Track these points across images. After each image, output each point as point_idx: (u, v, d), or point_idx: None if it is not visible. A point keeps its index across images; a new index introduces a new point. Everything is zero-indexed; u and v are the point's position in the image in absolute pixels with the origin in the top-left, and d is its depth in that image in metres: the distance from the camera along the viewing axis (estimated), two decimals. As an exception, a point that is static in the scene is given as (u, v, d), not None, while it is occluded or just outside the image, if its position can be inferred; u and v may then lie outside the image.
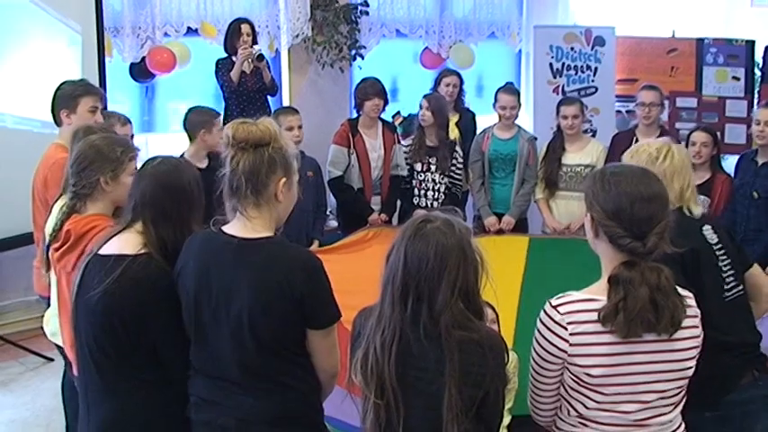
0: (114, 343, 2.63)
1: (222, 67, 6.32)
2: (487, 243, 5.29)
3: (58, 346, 3.53)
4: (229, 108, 6.32)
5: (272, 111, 6.34)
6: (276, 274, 2.45)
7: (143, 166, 2.81)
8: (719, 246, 3.04)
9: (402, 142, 6.11)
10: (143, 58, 6.48)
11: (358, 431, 2.41)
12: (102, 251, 2.69)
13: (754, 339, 3.05)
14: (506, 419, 4.10)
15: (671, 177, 3.00)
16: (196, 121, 5.15)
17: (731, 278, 3.03)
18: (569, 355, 2.26)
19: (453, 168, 6.00)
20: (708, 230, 3.05)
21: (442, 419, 2.20)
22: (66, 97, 4.20)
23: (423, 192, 6.01)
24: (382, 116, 6.06)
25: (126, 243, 2.68)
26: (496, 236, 5.75)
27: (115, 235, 2.73)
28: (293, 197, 2.64)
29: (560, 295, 2.32)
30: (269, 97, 6.55)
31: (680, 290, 2.32)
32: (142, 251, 2.64)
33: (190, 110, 5.29)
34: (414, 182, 6.03)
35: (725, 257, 3.03)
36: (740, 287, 3.05)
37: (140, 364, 2.65)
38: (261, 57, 6.33)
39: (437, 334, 2.22)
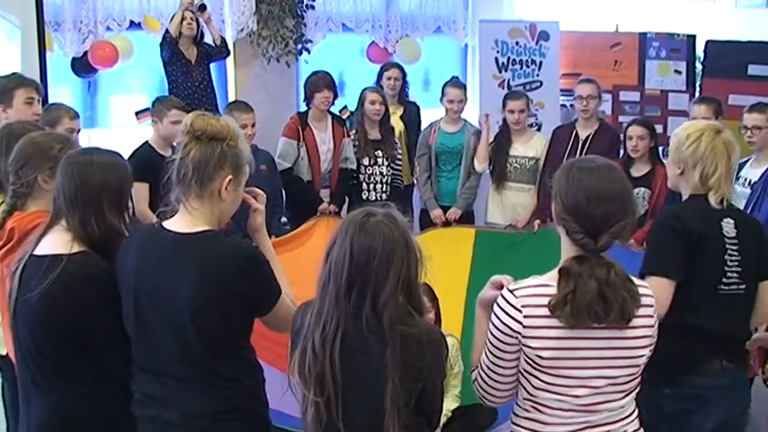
0: (53, 342, 2.61)
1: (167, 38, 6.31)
2: (434, 235, 5.40)
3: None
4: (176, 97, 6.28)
5: (217, 105, 6.33)
6: (215, 270, 2.44)
7: (63, 160, 2.74)
8: (735, 241, 3.03)
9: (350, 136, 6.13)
10: (85, 53, 6.38)
11: (299, 422, 2.41)
12: (37, 251, 2.66)
13: (734, 333, 3.09)
14: (453, 404, 4.15)
15: (693, 165, 3.05)
16: (153, 109, 5.26)
17: (734, 274, 3.04)
18: (523, 337, 2.29)
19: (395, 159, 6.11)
20: (728, 223, 3.04)
21: (382, 412, 2.22)
22: (0, 91, 4.12)
23: (371, 186, 6.06)
24: (331, 110, 6.10)
25: (57, 242, 2.64)
26: (443, 228, 5.77)
27: (44, 233, 2.69)
28: (238, 200, 2.64)
29: (517, 281, 2.36)
30: (220, 60, 6.63)
31: (636, 281, 2.36)
32: (76, 249, 2.61)
33: (156, 98, 5.40)
34: (361, 176, 6.06)
35: (736, 254, 3.03)
36: (743, 286, 3.06)
37: (79, 362, 2.63)
38: (203, 6, 6.28)
39: (379, 327, 2.23)
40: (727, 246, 3.03)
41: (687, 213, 3.07)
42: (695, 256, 2.98)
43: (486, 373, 2.43)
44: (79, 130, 4.68)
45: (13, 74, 4.46)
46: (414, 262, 2.29)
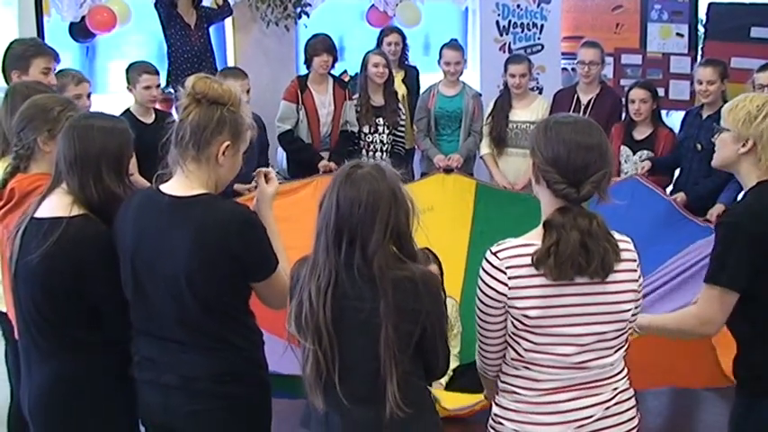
0: (54, 306, 2.63)
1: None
2: (436, 180, 5.38)
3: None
4: (173, 64, 6.26)
5: (217, 70, 6.29)
6: (210, 234, 2.45)
7: (66, 123, 2.76)
8: None
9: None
10: (83, 18, 6.34)
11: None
12: (37, 214, 2.67)
13: None
14: (453, 364, 4.17)
15: None
16: (128, 77, 5.35)
17: None
18: (509, 298, 2.32)
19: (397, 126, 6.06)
20: None
21: (379, 359, 2.26)
22: (17, 57, 4.14)
23: (371, 153, 6.03)
24: (332, 73, 6.09)
25: (57, 205, 2.65)
26: (445, 174, 5.67)
27: (45, 196, 2.70)
28: (236, 166, 2.63)
29: (499, 242, 2.38)
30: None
31: (616, 235, 2.37)
32: (76, 212, 2.62)
33: (129, 65, 5.44)
34: (362, 143, 6.03)
35: None
36: None
37: (80, 327, 2.65)
38: None
39: (371, 275, 2.27)
40: None
41: (752, 209, 2.72)
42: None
43: (479, 340, 2.47)
44: (90, 94, 4.70)
45: (33, 39, 4.47)
46: (403, 212, 2.33)
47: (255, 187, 2.84)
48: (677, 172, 5.43)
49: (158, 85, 5.42)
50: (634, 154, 5.42)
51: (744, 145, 2.75)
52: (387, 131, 6.02)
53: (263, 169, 2.78)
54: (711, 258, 2.74)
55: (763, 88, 4.94)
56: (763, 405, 2.73)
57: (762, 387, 2.73)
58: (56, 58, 4.24)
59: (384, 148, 6.03)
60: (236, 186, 4.90)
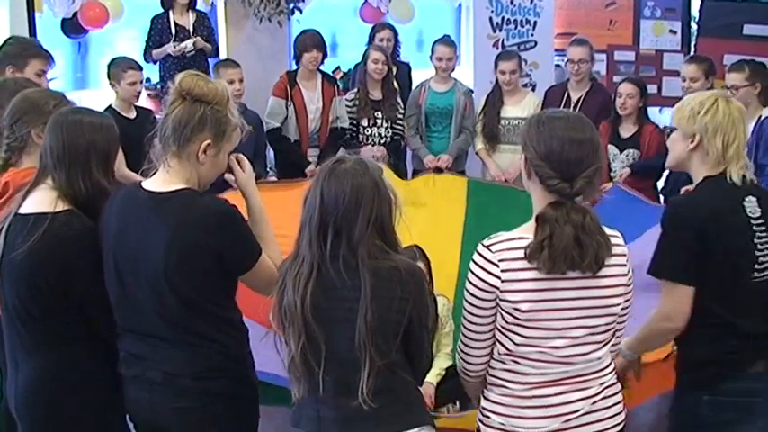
0: (39, 301, 2.63)
1: (154, 28, 6.27)
2: (427, 180, 5.35)
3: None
4: (165, 61, 6.27)
5: (209, 68, 6.29)
6: (189, 229, 2.45)
7: (51, 118, 2.76)
8: (761, 221, 2.73)
9: (345, 96, 6.08)
10: (75, 14, 6.32)
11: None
12: (22, 210, 2.67)
13: None
14: (446, 362, 4.17)
15: (712, 133, 2.72)
16: (109, 73, 5.32)
17: (765, 258, 2.73)
18: (501, 291, 2.33)
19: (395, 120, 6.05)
20: (751, 202, 2.73)
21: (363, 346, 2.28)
22: (14, 55, 4.17)
23: (370, 147, 5.98)
24: (323, 69, 6.09)
25: (42, 200, 2.66)
26: (435, 174, 5.64)
27: (29, 191, 2.70)
28: (218, 166, 2.62)
29: (491, 236, 2.39)
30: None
31: (607, 230, 2.38)
32: (61, 208, 2.62)
33: (110, 61, 5.41)
34: (360, 137, 6.02)
35: (764, 234, 2.73)
36: None
37: (66, 322, 2.66)
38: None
39: (356, 265, 2.30)
40: (755, 228, 2.72)
41: (695, 201, 2.78)
42: (713, 244, 2.67)
43: (464, 336, 2.47)
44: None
45: (32, 40, 4.51)
46: (385, 204, 2.36)
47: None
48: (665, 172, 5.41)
49: (142, 81, 5.41)
50: (621, 153, 5.43)
51: (691, 141, 2.78)
52: (385, 125, 6.00)
53: (235, 155, 2.74)
54: (654, 252, 2.77)
55: (685, 79, 5.24)
56: (692, 398, 2.76)
57: (690, 381, 2.77)
58: (51, 62, 4.27)
59: (382, 142, 6.00)
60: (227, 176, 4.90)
